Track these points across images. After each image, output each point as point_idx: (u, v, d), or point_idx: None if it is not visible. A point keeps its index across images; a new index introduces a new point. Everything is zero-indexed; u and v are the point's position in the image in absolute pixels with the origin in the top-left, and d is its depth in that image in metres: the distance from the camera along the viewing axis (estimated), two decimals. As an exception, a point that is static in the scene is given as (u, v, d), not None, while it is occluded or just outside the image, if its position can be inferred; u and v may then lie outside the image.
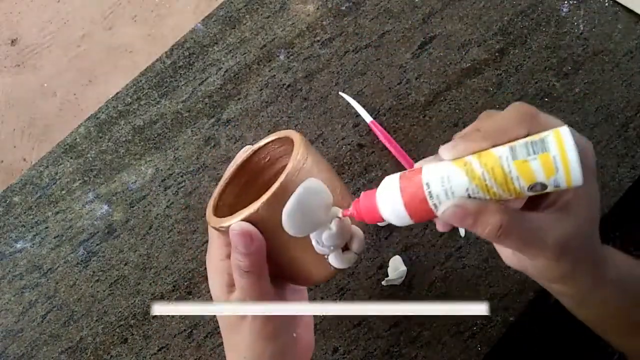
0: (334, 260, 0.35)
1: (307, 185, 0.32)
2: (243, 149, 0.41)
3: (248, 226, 0.32)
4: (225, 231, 0.33)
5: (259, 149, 0.40)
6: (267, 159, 0.40)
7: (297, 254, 0.35)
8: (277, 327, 0.34)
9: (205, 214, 0.41)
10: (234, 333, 0.35)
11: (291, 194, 0.32)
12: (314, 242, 0.34)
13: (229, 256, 0.35)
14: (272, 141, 0.39)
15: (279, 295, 0.37)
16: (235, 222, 0.32)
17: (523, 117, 0.29)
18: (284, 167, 0.33)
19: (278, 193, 0.32)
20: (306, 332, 0.37)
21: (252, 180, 0.40)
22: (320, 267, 0.35)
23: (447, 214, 0.29)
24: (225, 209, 0.36)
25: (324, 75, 0.64)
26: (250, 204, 0.33)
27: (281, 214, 0.32)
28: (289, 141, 0.37)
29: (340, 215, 0.34)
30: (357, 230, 0.36)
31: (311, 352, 0.38)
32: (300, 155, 0.33)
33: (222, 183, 0.39)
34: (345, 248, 0.35)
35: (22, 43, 1.71)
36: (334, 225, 0.33)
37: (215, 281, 0.36)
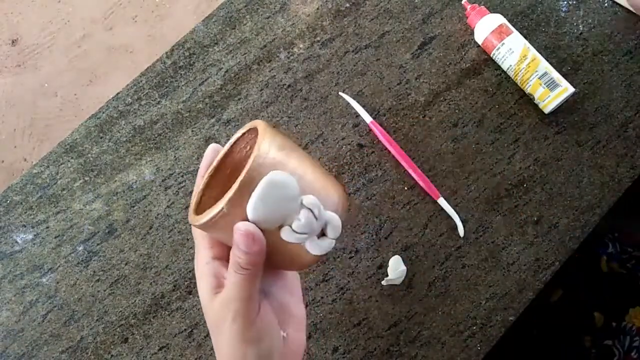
0: (311, 247, 0.34)
1: (270, 179, 0.31)
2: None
3: (252, 227, 0.32)
4: (203, 227, 0.33)
5: (237, 140, 0.40)
6: (247, 148, 0.40)
7: (273, 242, 0.34)
8: (260, 330, 0.33)
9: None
10: (217, 335, 0.34)
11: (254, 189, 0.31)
12: (285, 233, 0.33)
13: (214, 258, 0.36)
14: (247, 131, 0.39)
15: (269, 294, 0.36)
16: (208, 219, 0.32)
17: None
18: None
19: (241, 190, 0.31)
20: (297, 331, 0.37)
21: (235, 169, 0.40)
22: (299, 253, 0.35)
23: None
24: (212, 202, 0.36)
25: (324, 76, 0.64)
26: None
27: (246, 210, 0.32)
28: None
29: (308, 205, 0.33)
30: (332, 217, 0.35)
31: (303, 350, 0.37)
32: (262, 149, 0.32)
33: (206, 176, 0.39)
34: (322, 234, 0.35)
35: (23, 43, 1.71)
36: (302, 216, 0.33)
37: (201, 285, 0.36)
